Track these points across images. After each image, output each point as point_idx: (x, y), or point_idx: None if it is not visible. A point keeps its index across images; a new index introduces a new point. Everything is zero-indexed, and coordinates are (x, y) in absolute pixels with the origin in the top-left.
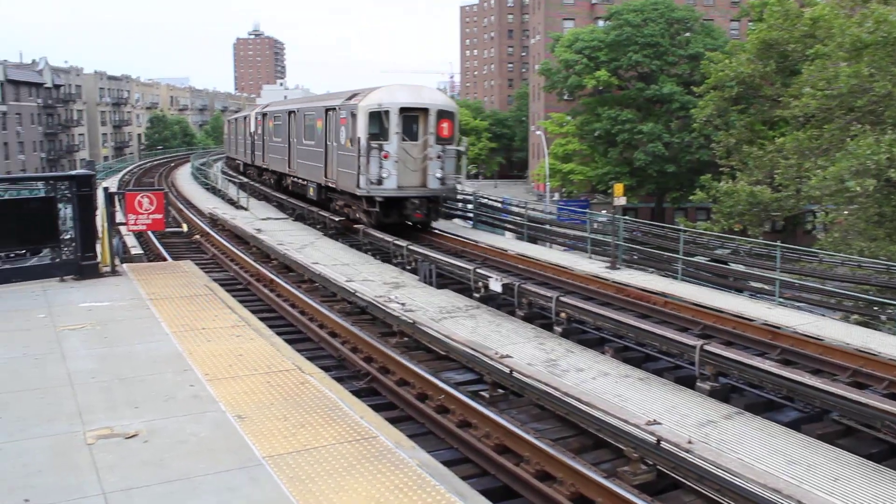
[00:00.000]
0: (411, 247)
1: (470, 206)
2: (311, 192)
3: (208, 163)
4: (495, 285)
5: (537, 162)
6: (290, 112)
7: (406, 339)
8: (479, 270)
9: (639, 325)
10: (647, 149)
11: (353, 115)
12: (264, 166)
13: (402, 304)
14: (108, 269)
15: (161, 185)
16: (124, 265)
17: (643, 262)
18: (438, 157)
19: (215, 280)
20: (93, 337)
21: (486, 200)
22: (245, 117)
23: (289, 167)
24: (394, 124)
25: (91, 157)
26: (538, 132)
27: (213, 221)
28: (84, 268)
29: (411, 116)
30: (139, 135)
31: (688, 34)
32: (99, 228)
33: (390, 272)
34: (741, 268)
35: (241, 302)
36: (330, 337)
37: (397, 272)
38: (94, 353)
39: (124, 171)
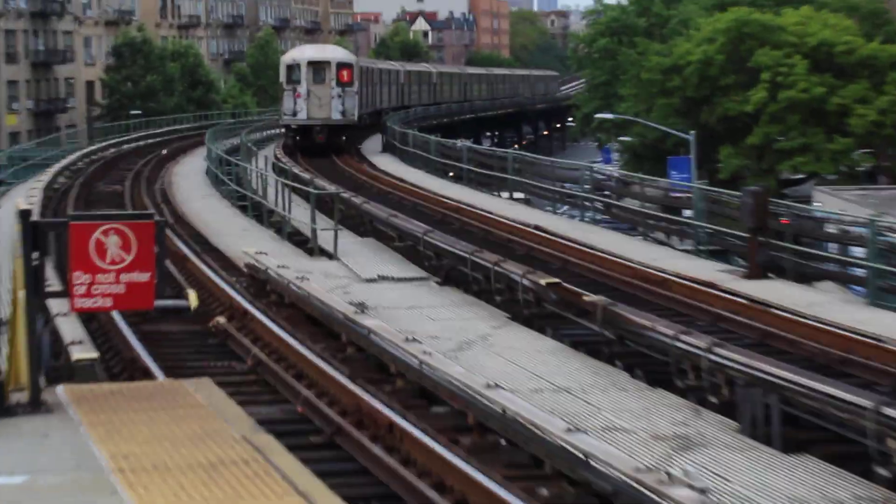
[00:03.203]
0: (721, 357)
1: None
2: None
3: (246, 147)
4: None
5: None
6: None
7: None
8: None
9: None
10: None
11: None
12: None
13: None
14: (23, 397)
15: (144, 200)
16: (60, 388)
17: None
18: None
19: (263, 423)
20: None
21: None
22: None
23: None
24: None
25: None
26: None
27: (258, 284)
28: None
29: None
30: (91, 84)
31: None
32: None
33: (665, 411)
34: None
35: (325, 476)
36: None
37: (679, 410)
38: None
39: (59, 167)
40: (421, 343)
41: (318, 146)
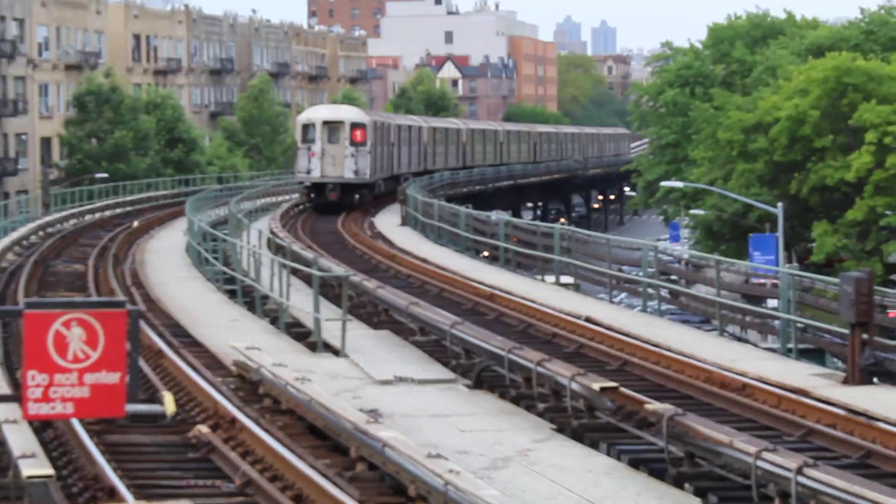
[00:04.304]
0: None
1: None
2: None
3: (235, 218)
4: None
5: None
6: None
7: None
8: None
9: None
10: None
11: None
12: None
13: None
14: None
15: (110, 283)
16: None
17: None
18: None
19: None
20: None
21: None
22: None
23: None
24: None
25: None
26: None
27: (248, 386)
28: None
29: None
30: (48, 141)
31: None
32: None
33: None
34: None
35: None
36: None
37: None
38: None
39: (7, 241)
40: (447, 460)
41: (332, 203)
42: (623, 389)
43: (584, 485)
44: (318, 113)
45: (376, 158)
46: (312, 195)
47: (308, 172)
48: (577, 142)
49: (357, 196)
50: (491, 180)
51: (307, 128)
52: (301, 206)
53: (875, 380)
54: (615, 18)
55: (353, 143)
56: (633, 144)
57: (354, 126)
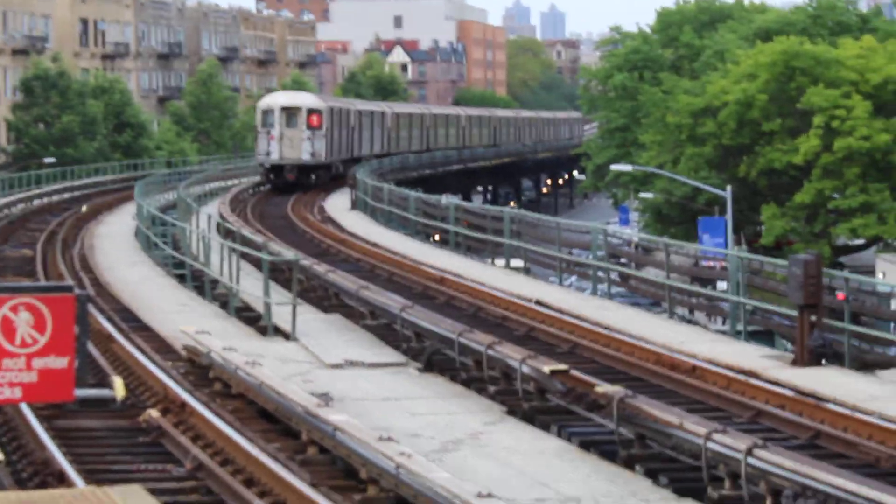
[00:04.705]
0: None
1: None
2: None
3: (184, 203)
4: None
5: None
6: None
7: None
8: None
9: None
10: None
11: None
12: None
13: None
14: None
15: (59, 267)
16: None
17: None
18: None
19: None
20: None
21: None
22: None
23: None
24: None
25: None
26: None
27: (199, 370)
28: None
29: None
30: None
31: None
32: None
33: None
34: None
35: None
36: None
37: None
38: None
39: None
40: (398, 443)
41: (290, 183)
42: (573, 372)
43: (535, 467)
44: (277, 99)
45: (333, 141)
46: (272, 176)
47: (268, 155)
48: (532, 126)
49: (314, 176)
50: (441, 164)
51: (266, 113)
52: (251, 190)
53: (823, 361)
54: (564, 3)
55: (309, 127)
56: (585, 128)
57: (311, 111)
